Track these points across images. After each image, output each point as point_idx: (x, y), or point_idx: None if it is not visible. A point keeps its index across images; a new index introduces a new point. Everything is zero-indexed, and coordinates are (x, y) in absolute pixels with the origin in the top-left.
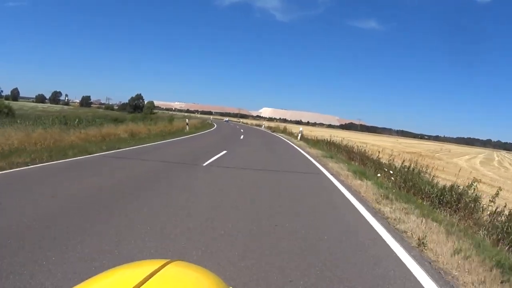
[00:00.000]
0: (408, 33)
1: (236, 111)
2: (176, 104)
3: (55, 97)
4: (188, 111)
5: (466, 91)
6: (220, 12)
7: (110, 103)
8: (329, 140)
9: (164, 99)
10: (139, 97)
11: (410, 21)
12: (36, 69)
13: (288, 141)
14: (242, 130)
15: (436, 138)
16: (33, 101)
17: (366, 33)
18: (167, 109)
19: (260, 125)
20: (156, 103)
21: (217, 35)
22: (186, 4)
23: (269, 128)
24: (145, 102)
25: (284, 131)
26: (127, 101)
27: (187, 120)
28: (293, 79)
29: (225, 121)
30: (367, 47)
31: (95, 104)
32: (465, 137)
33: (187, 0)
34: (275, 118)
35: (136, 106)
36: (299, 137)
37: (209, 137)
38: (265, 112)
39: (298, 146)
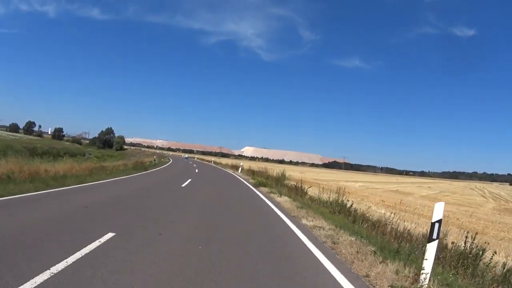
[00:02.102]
0: (392, 72)
1: (217, 150)
2: (159, 142)
3: (29, 127)
4: (169, 149)
5: (447, 125)
6: (205, 51)
7: (87, 137)
8: None
9: (148, 137)
10: (109, 131)
11: (393, 60)
12: (30, 99)
13: None
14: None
15: (422, 174)
16: (7, 130)
17: (350, 72)
18: (148, 147)
19: (237, 167)
20: (138, 140)
21: (201, 73)
22: (174, 44)
23: (251, 172)
24: (116, 137)
25: (279, 181)
26: (97, 135)
27: None
28: (275, 118)
29: (184, 158)
30: (351, 86)
31: (68, 137)
32: (450, 171)
33: (173, 39)
34: (257, 158)
35: (106, 141)
36: None
37: None
38: (247, 151)
39: None
